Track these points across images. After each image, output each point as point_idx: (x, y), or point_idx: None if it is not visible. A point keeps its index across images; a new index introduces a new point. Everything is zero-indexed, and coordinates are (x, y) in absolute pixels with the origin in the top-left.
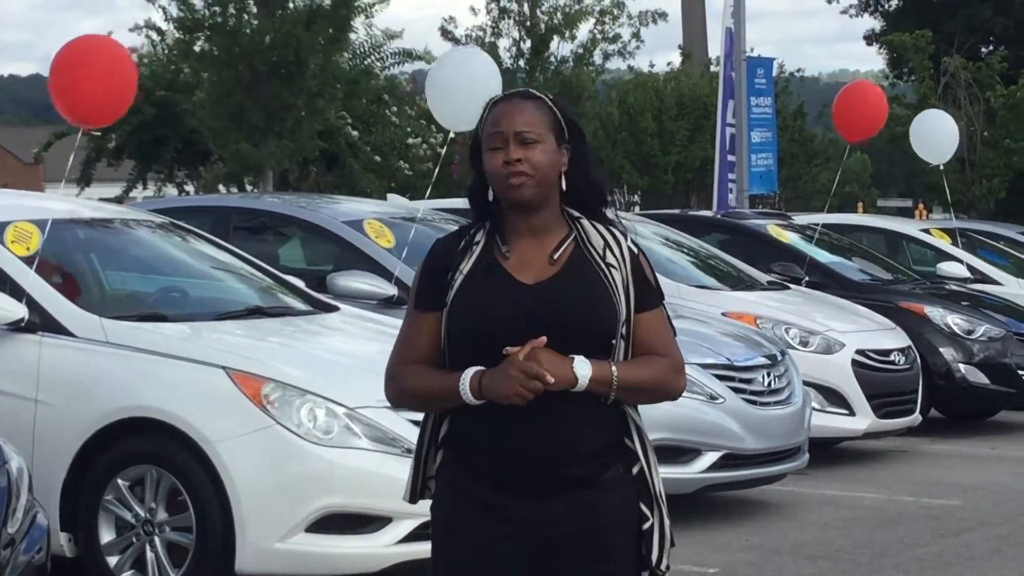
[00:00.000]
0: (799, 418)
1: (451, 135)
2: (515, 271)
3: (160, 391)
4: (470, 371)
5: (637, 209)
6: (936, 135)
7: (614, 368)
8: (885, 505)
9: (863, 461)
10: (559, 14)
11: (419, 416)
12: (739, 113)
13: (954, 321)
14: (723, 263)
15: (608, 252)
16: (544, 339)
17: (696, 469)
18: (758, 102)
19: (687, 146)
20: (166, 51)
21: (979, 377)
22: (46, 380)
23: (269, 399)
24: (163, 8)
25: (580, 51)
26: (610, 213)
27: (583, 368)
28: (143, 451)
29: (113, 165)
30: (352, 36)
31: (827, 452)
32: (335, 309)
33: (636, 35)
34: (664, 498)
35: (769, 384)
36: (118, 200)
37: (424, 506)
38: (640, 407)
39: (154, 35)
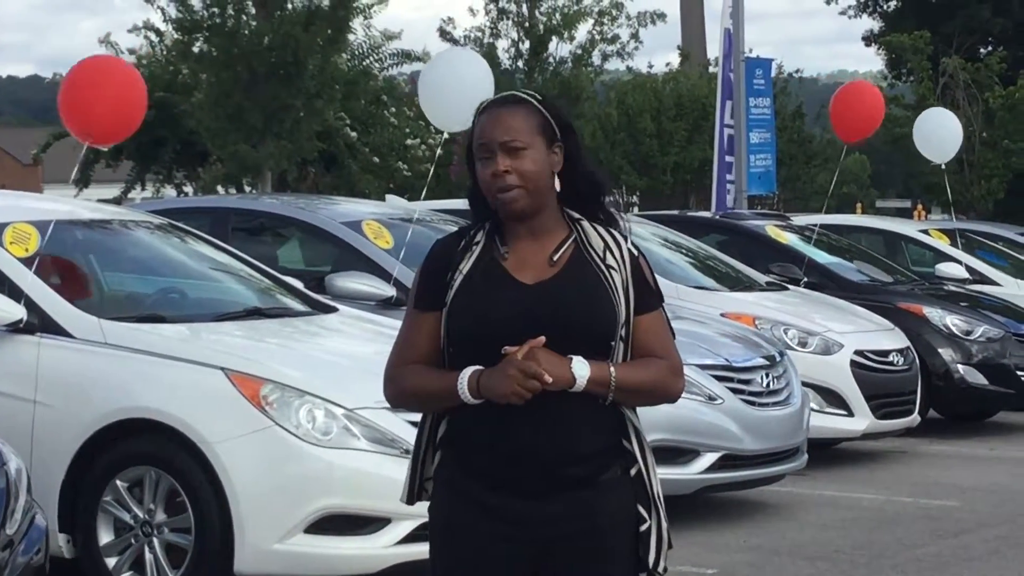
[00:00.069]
0: (798, 419)
1: (445, 135)
2: (515, 271)
3: (159, 392)
4: (468, 370)
5: (636, 210)
6: (939, 133)
7: (612, 369)
8: (884, 506)
9: (862, 462)
10: (558, 15)
11: (418, 417)
12: (738, 114)
13: (953, 322)
14: (722, 264)
15: (608, 254)
16: (543, 339)
17: (695, 470)
18: (757, 103)
19: (686, 147)
20: (165, 52)
21: (978, 378)
22: (45, 381)
23: (268, 400)
24: (162, 9)
25: (579, 52)
26: (613, 208)
27: (581, 368)
28: (142, 452)
29: (111, 166)
30: (351, 37)
31: (826, 453)
32: (334, 310)
33: (635, 36)
34: (662, 500)
35: (768, 385)
36: (116, 201)
37: (423, 507)
38: (638, 408)
39: (153, 36)
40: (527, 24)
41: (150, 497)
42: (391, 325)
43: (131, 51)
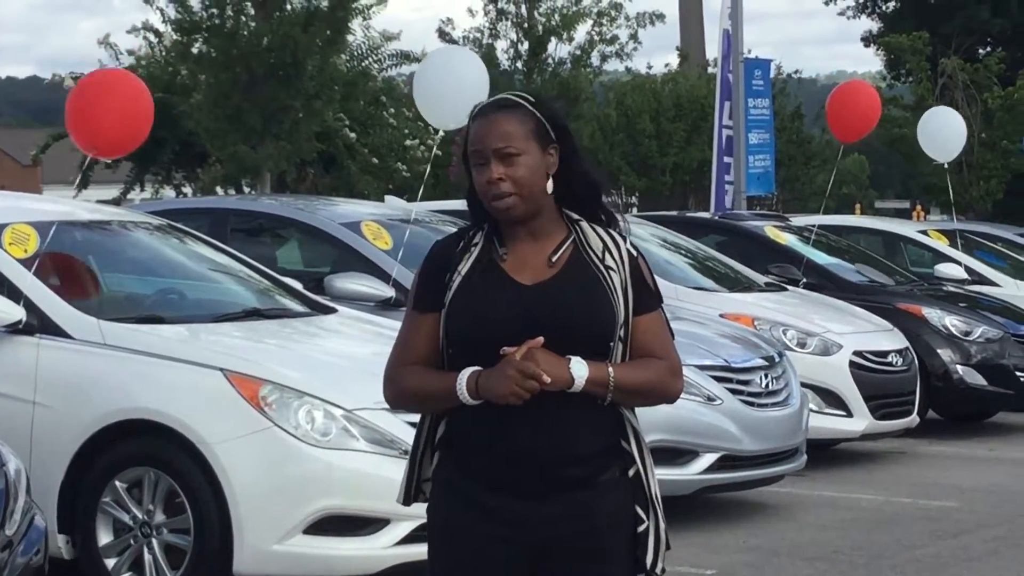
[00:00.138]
0: (797, 419)
1: (440, 133)
2: (513, 272)
3: (158, 393)
4: (467, 371)
5: (635, 211)
6: (944, 132)
7: (611, 369)
8: (882, 506)
9: (861, 462)
10: (557, 16)
11: (417, 418)
12: (737, 115)
13: (952, 323)
14: (721, 265)
15: (607, 254)
16: (541, 339)
17: (694, 470)
18: (756, 103)
19: (685, 148)
20: (164, 53)
21: (977, 378)
22: (44, 382)
23: (267, 401)
24: (161, 10)
25: (578, 53)
26: (612, 207)
27: (580, 369)
28: (141, 453)
29: (111, 167)
30: (350, 38)
31: (825, 453)
32: (333, 311)
33: (634, 37)
34: (660, 501)
35: (767, 385)
36: (115, 202)
37: (422, 507)
38: (637, 409)
39: (152, 37)
40: (526, 25)
41: (149, 498)
42: (390, 326)
43: (130, 52)
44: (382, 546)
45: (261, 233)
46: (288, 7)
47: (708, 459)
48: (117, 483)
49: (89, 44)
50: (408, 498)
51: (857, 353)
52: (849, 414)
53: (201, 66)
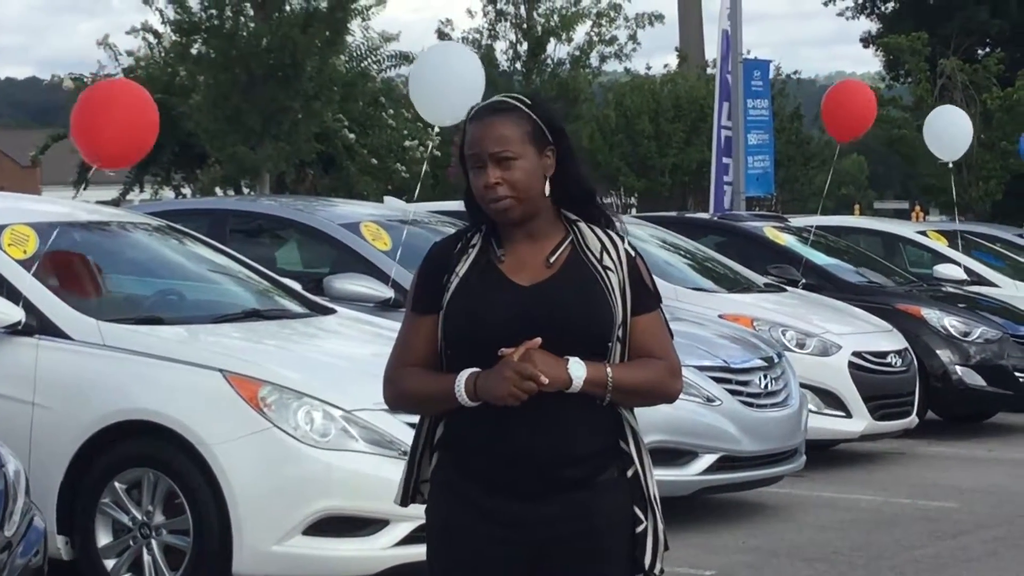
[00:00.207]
0: (796, 420)
1: (436, 131)
2: (511, 273)
3: (157, 394)
4: (465, 373)
5: (634, 211)
6: (949, 131)
7: (609, 370)
8: (882, 507)
9: (860, 463)
10: (556, 16)
11: (416, 418)
12: (736, 115)
13: (951, 323)
14: (720, 265)
15: (605, 255)
16: (539, 340)
17: (693, 471)
18: (755, 104)
19: (684, 148)
20: (163, 54)
21: (976, 379)
22: (43, 383)
23: (266, 402)
24: (160, 11)
25: (577, 53)
26: (609, 210)
27: (578, 369)
28: (140, 454)
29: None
30: (349, 39)
31: (824, 454)
32: (332, 312)
33: (633, 37)
34: (658, 501)
35: (766, 386)
36: (115, 203)
37: (421, 508)
38: (636, 409)
39: (151, 38)
40: (525, 26)
41: (148, 499)
42: (389, 327)
43: (129, 53)
44: (381, 547)
45: (260, 234)
46: (287, 8)
47: (707, 460)
48: (116, 484)
49: (88, 45)
50: (406, 499)
51: (856, 354)
52: (848, 415)
53: (200, 67)
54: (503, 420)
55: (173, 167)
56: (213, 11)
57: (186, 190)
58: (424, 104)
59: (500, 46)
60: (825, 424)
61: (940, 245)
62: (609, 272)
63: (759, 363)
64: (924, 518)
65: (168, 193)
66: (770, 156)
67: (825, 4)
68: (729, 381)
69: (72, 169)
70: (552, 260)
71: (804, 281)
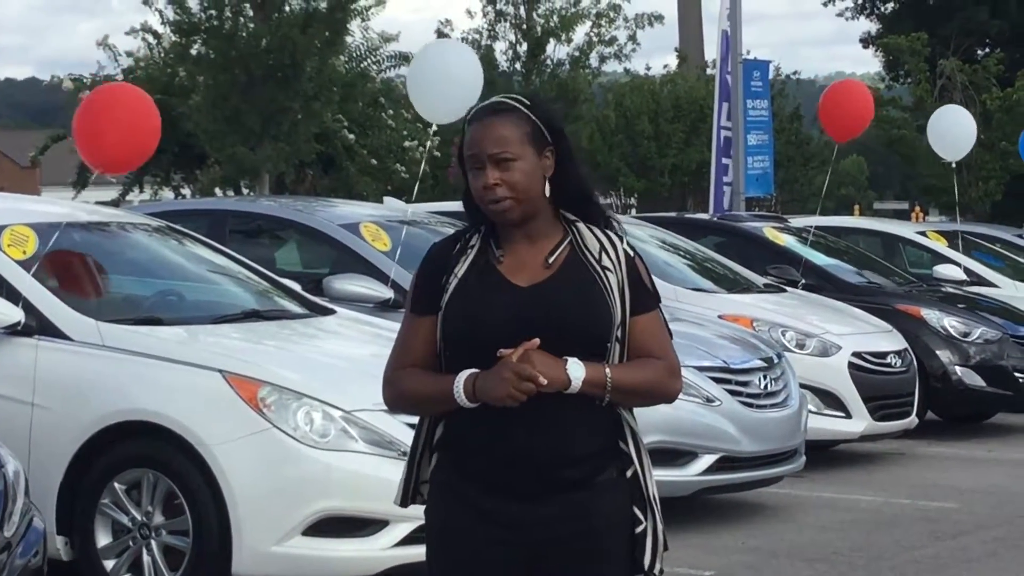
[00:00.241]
0: (795, 421)
1: (433, 128)
2: (509, 274)
3: (156, 395)
4: (464, 374)
5: (633, 212)
6: (953, 131)
7: (608, 370)
8: (882, 508)
9: (860, 464)
10: (555, 17)
11: (415, 419)
12: (735, 116)
13: (950, 324)
14: (719, 266)
15: (604, 255)
16: (537, 341)
17: (693, 472)
18: (754, 105)
19: (683, 149)
20: (162, 55)
21: (975, 380)
22: (42, 384)
23: (265, 402)
24: (159, 12)
25: (576, 54)
26: (607, 210)
27: (576, 370)
28: (139, 455)
29: None
30: (348, 39)
31: (824, 455)
32: (331, 312)
33: (632, 38)
34: (657, 502)
35: (765, 387)
36: (114, 203)
37: (421, 509)
38: (636, 409)
39: (150, 38)
40: (525, 26)
41: (148, 499)
42: (389, 327)
43: (129, 54)
44: (381, 547)
45: (260, 234)
46: (287, 8)
47: (707, 460)
48: (116, 484)
49: (88, 46)
50: (406, 500)
51: (856, 354)
52: (848, 415)
53: (200, 67)
54: (502, 421)
55: (172, 168)
56: (212, 12)
57: (185, 191)
58: (422, 102)
59: (500, 47)
60: (825, 424)
61: (940, 246)
62: (608, 272)
63: (759, 364)
64: (924, 519)
65: (167, 194)
66: (770, 157)
67: (825, 4)
68: (729, 382)
69: (71, 170)
70: (551, 261)
71: (804, 282)
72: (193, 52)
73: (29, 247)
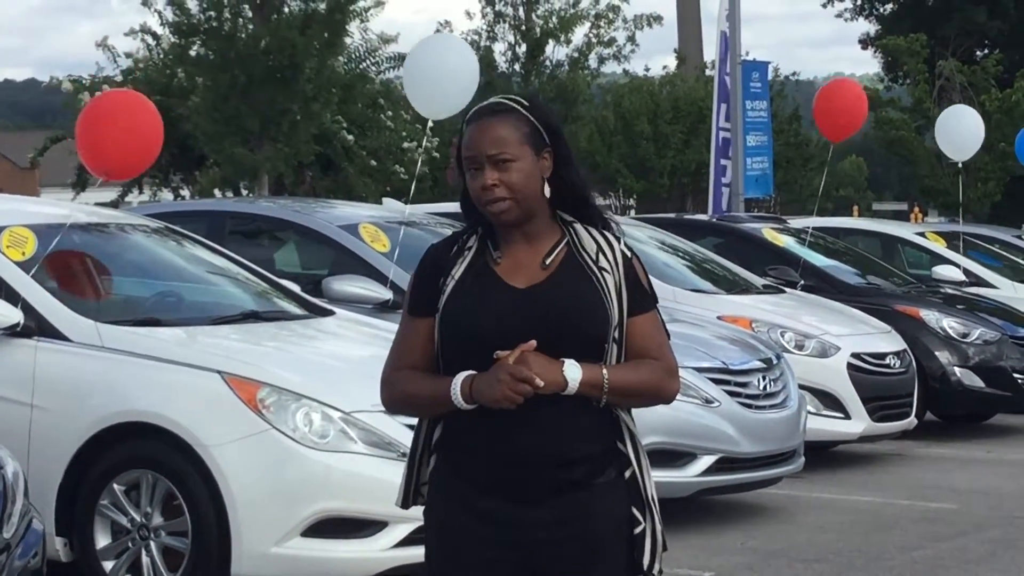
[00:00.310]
0: (795, 422)
1: (430, 124)
2: (507, 276)
3: (156, 396)
4: (461, 376)
5: (632, 213)
6: (961, 131)
7: (605, 371)
8: (881, 508)
9: (859, 464)
10: (554, 18)
11: (415, 420)
12: (734, 117)
13: (949, 324)
14: (718, 267)
15: (601, 256)
16: (534, 342)
17: (692, 473)
18: (753, 106)
19: (682, 150)
20: (161, 56)
21: (974, 380)
22: (42, 385)
23: (265, 403)
24: (159, 13)
25: (575, 55)
26: (605, 210)
27: (573, 371)
28: (139, 456)
29: None
30: (347, 40)
31: (823, 455)
32: (330, 313)
33: (631, 39)
34: (656, 502)
35: (764, 388)
36: (113, 204)
37: (420, 510)
38: (635, 410)
39: (150, 40)
40: (524, 27)
41: (147, 500)
42: (388, 328)
43: (128, 55)
44: (380, 548)
45: (259, 235)
46: (286, 10)
47: (706, 461)
48: (115, 486)
49: (87, 47)
50: (407, 501)
51: (855, 355)
52: (847, 416)
53: (199, 69)
54: (500, 422)
55: (172, 169)
56: (212, 13)
57: (185, 192)
58: (418, 97)
59: (499, 48)
60: (824, 425)
61: (939, 246)
62: (605, 273)
63: (758, 364)
64: (923, 519)
65: (167, 195)
66: (769, 157)
67: (824, 5)
68: (728, 382)
69: (70, 171)
70: (548, 262)
71: (803, 282)
72: (192, 53)
73: (28, 248)
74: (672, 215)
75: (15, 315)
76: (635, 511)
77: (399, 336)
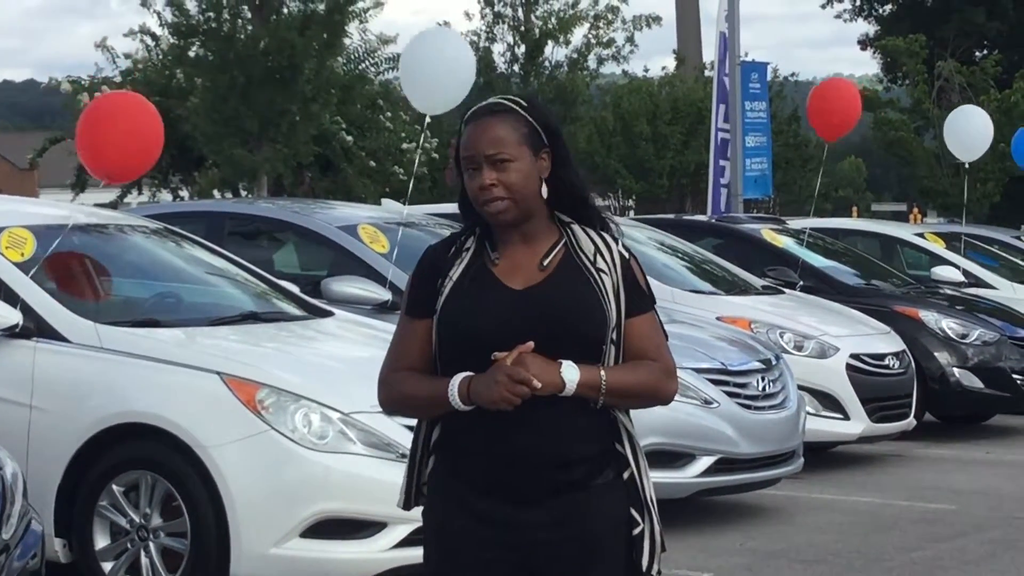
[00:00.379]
0: (794, 422)
1: (427, 119)
2: (504, 277)
3: (155, 396)
4: (459, 377)
5: (632, 214)
6: (970, 132)
7: (603, 372)
8: (880, 509)
9: (858, 465)
10: (553, 19)
11: (414, 421)
12: (733, 117)
13: (948, 325)
14: (717, 267)
15: (599, 257)
16: (531, 344)
17: (691, 473)
18: (752, 106)
19: (681, 151)
20: (161, 57)
21: (973, 381)
22: (41, 386)
23: (264, 404)
24: (158, 14)
25: (574, 56)
26: (603, 210)
27: (571, 373)
28: (138, 456)
29: None
30: (346, 41)
31: (822, 456)
32: (330, 314)
33: (630, 40)
34: (655, 503)
35: (763, 388)
36: (113, 205)
37: (419, 511)
38: (634, 411)
39: (149, 40)
40: (523, 28)
41: (146, 501)
42: (387, 329)
43: (127, 56)
44: (379, 549)
45: (258, 236)
46: (285, 11)
47: (705, 462)
48: (114, 487)
49: (86, 48)
50: (409, 502)
51: (854, 356)
52: (846, 417)
53: (198, 70)
54: (497, 424)
55: (171, 170)
56: (211, 14)
57: (184, 193)
58: (415, 91)
59: (498, 48)
60: (823, 426)
61: (938, 247)
62: (603, 274)
63: (757, 365)
64: (922, 520)
65: (166, 196)
66: (768, 158)
67: (823, 6)
68: (727, 383)
69: (70, 172)
70: (546, 263)
71: (802, 283)
72: (191, 54)
73: (27, 249)
74: (671, 216)
75: (14, 316)
76: (633, 512)
77: (397, 337)
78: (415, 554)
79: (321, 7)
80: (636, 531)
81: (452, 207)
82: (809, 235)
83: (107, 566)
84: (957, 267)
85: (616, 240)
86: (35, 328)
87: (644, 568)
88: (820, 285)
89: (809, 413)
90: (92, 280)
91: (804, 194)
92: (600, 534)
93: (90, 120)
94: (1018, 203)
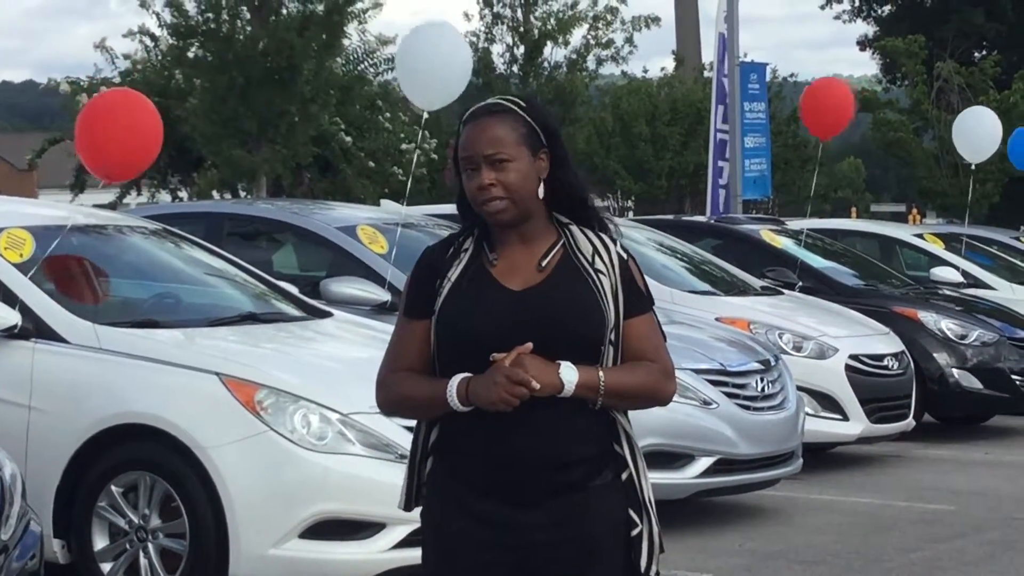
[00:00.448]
0: (792, 423)
1: (424, 116)
2: (503, 278)
3: (153, 397)
4: (457, 378)
5: (631, 214)
6: (979, 132)
7: (601, 373)
8: (879, 510)
9: (857, 466)
10: (552, 20)
11: (412, 422)
12: (732, 118)
13: (947, 326)
14: (716, 268)
15: (597, 258)
16: (530, 345)
17: (690, 474)
18: (751, 107)
19: (680, 151)
20: (159, 57)
21: (972, 382)
22: (39, 387)
23: (263, 405)
24: (157, 14)
25: (574, 57)
26: (602, 211)
27: (569, 374)
28: (136, 457)
29: None
30: (345, 42)
31: (821, 457)
32: (329, 315)
33: (629, 40)
34: (653, 504)
35: (762, 389)
36: (112, 206)
37: (418, 512)
38: (633, 412)
39: (148, 41)
40: (522, 29)
41: (145, 502)
42: (386, 330)
43: (126, 56)
44: (378, 550)
45: (257, 237)
46: (284, 11)
47: (704, 463)
48: (113, 487)
49: (85, 48)
50: (409, 503)
51: (853, 357)
52: (845, 418)
53: (197, 70)
54: (496, 425)
55: (170, 170)
56: (210, 15)
57: (183, 193)
58: (412, 88)
59: (497, 49)
60: (822, 427)
61: (937, 248)
62: (601, 275)
63: (756, 366)
64: (921, 521)
65: (165, 196)
66: (767, 159)
67: (822, 7)
68: (726, 384)
69: (69, 173)
70: (544, 264)
71: (801, 284)
72: (190, 55)
73: (26, 250)
74: (670, 216)
75: (13, 317)
76: (632, 513)
77: (395, 338)
78: (414, 555)
79: (320, 8)
80: (635, 532)
81: (451, 208)
82: (808, 236)
83: (106, 567)
84: (956, 268)
85: (614, 241)
86: (34, 329)
87: (643, 569)
88: (819, 286)
89: (808, 414)
90: (91, 281)
91: (803, 195)
92: (598, 535)
93: (89, 117)
94: (1017, 204)
